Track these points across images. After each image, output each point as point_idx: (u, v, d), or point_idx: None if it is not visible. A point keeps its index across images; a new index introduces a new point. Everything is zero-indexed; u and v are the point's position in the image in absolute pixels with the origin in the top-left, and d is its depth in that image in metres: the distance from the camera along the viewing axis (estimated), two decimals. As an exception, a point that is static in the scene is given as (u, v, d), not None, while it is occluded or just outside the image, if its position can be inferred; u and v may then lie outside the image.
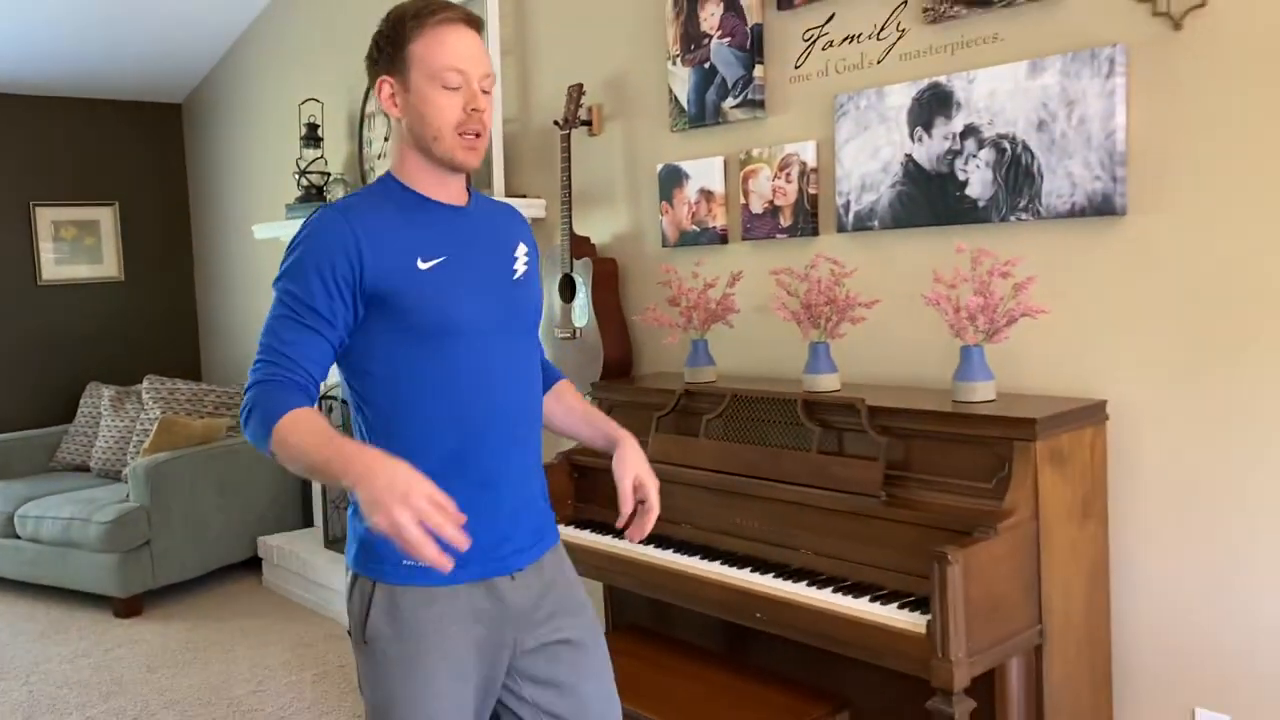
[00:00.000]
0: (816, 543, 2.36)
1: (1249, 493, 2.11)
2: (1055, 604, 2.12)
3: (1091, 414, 2.22)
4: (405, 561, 1.53)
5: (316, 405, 1.49)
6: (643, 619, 2.96)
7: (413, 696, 1.55)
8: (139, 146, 6.00)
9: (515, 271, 1.67)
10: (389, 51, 1.55)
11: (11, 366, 5.61)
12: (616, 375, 3.35)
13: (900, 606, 2.07)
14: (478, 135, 1.55)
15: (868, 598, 2.13)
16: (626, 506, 1.68)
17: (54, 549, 4.52)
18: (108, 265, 5.91)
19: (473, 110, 1.53)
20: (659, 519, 2.72)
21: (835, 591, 2.19)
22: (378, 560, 1.57)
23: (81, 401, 5.47)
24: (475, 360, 1.57)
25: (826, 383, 2.55)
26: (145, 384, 5.20)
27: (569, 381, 1.89)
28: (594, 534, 2.77)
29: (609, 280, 3.41)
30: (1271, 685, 2.10)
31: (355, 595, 1.60)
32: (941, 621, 1.90)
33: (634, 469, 1.71)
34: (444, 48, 1.52)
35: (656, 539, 2.65)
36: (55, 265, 5.75)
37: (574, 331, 3.39)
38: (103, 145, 5.88)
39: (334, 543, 4.58)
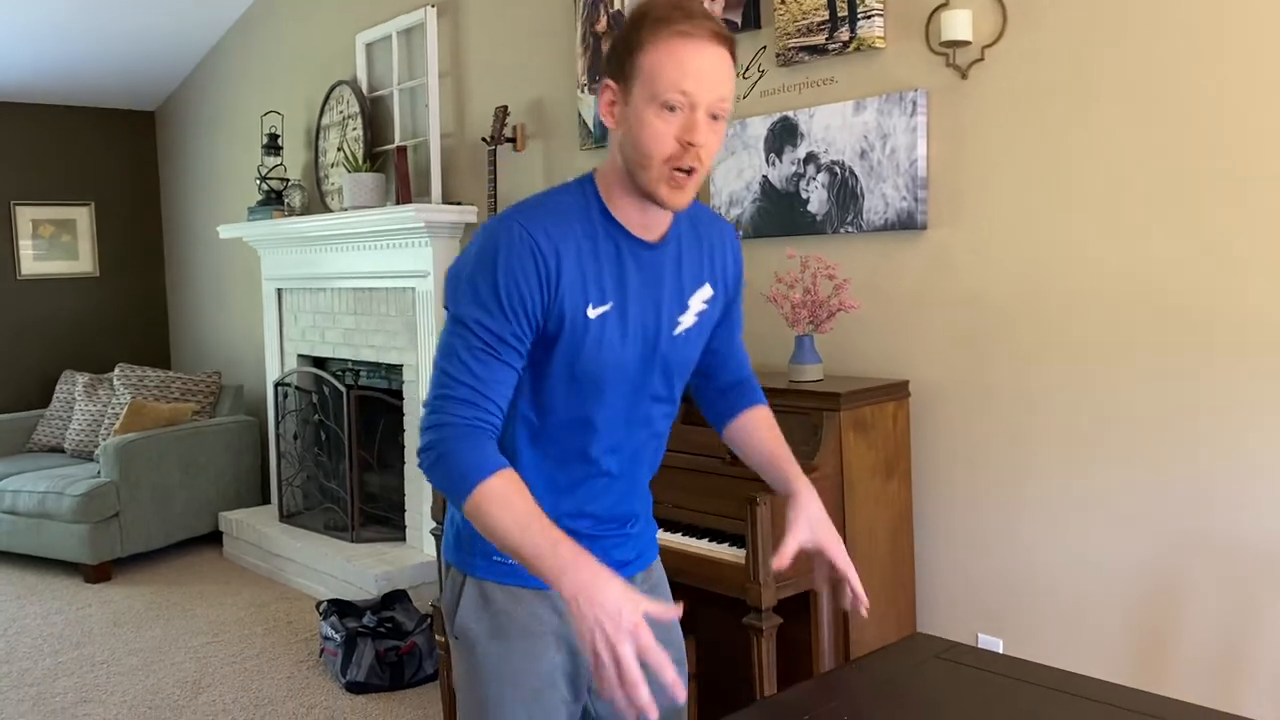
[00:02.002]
0: (676, 497, 2.82)
1: (1024, 455, 2.59)
2: (859, 545, 2.60)
3: (895, 391, 2.71)
4: (495, 557, 1.46)
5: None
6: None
7: (499, 697, 1.47)
8: (114, 151, 6.42)
9: (679, 325, 1.49)
10: (621, 53, 1.33)
11: (-9, 354, 6.03)
12: (533, 363, 3.81)
13: (731, 545, 2.54)
14: (690, 172, 1.32)
15: (708, 539, 2.61)
16: (782, 561, 1.53)
17: (30, 520, 4.94)
18: (83, 261, 6.33)
19: (688, 143, 1.30)
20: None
21: (686, 535, 2.66)
22: (469, 553, 1.49)
23: (57, 388, 5.88)
24: (599, 404, 1.43)
25: (695, 367, 3.02)
26: (117, 371, 5.62)
27: (763, 409, 1.70)
28: (502, 496, 3.23)
29: (528, 279, 3.87)
30: (1034, 615, 2.58)
31: (448, 587, 1.53)
32: (752, 553, 2.38)
33: (804, 533, 1.53)
34: (674, 63, 1.29)
35: (552, 499, 3.11)
36: (34, 261, 6.16)
37: (497, 324, 3.85)
38: (80, 149, 6.30)
39: (289, 517, 5.02)
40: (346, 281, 4.73)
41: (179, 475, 5.14)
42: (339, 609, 3.76)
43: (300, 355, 5.16)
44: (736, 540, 2.56)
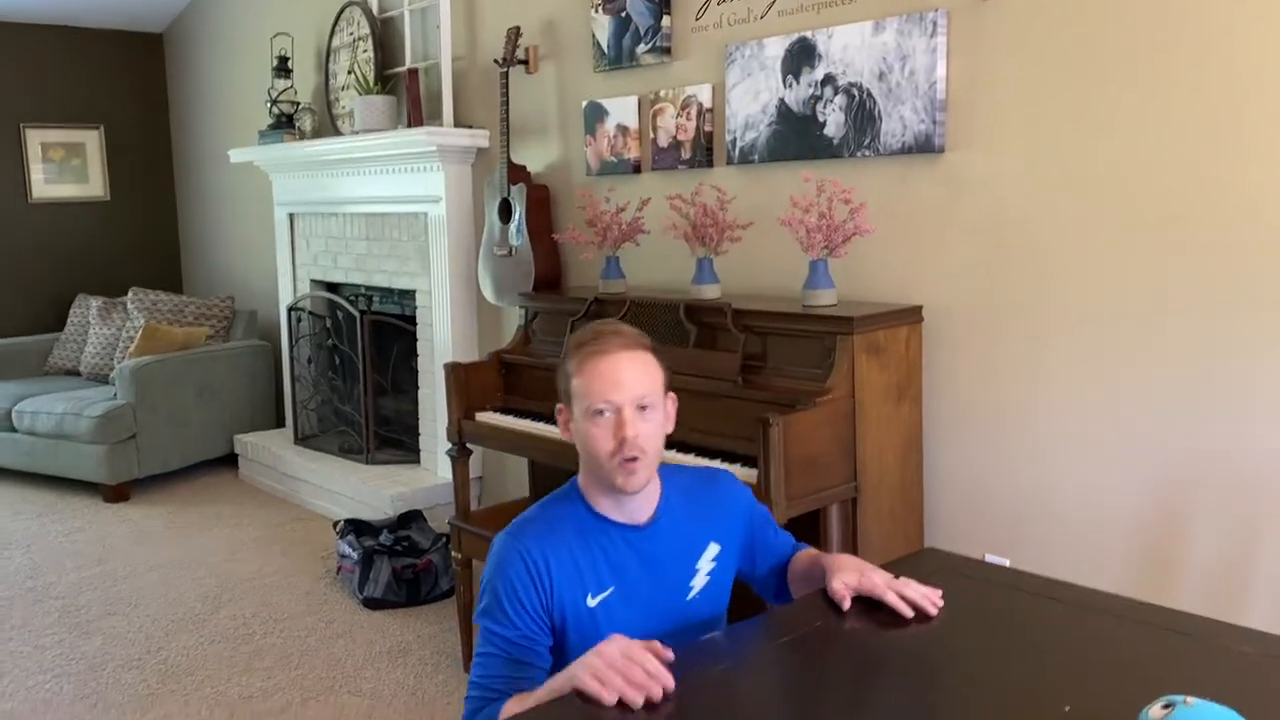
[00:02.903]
0: (690, 420, 2.83)
1: (1036, 377, 2.61)
2: (869, 466, 2.64)
3: (908, 315, 2.72)
4: None
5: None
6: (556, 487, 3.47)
7: None
8: (123, 73, 6.37)
9: (691, 589, 1.64)
10: (561, 381, 1.60)
11: (4, 279, 6.05)
12: (547, 288, 3.82)
13: (743, 465, 2.58)
14: (634, 459, 1.52)
15: (720, 459, 2.64)
16: (840, 602, 1.56)
17: (48, 441, 5.01)
18: (94, 185, 6.31)
19: (622, 439, 1.51)
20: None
21: (698, 456, 2.70)
22: None
23: (71, 311, 5.91)
24: None
25: (709, 292, 3.03)
26: (130, 295, 5.65)
27: (802, 553, 1.81)
28: (516, 418, 3.27)
29: (541, 204, 3.87)
30: (1041, 536, 2.62)
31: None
32: (764, 471, 2.42)
33: (852, 577, 1.58)
34: (594, 380, 1.53)
35: (566, 421, 3.15)
36: (45, 185, 6.15)
37: (510, 250, 3.85)
38: (88, 71, 6.25)
39: (304, 440, 5.08)
40: (358, 206, 4.73)
41: (194, 398, 5.19)
42: (356, 528, 3.83)
43: (313, 280, 5.17)
44: (748, 461, 2.59)
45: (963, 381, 2.74)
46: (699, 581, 1.65)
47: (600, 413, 1.53)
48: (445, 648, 3.26)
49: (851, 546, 2.66)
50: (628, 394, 1.53)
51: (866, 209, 2.69)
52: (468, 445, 3.42)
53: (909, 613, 1.51)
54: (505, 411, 3.36)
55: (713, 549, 1.68)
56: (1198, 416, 2.34)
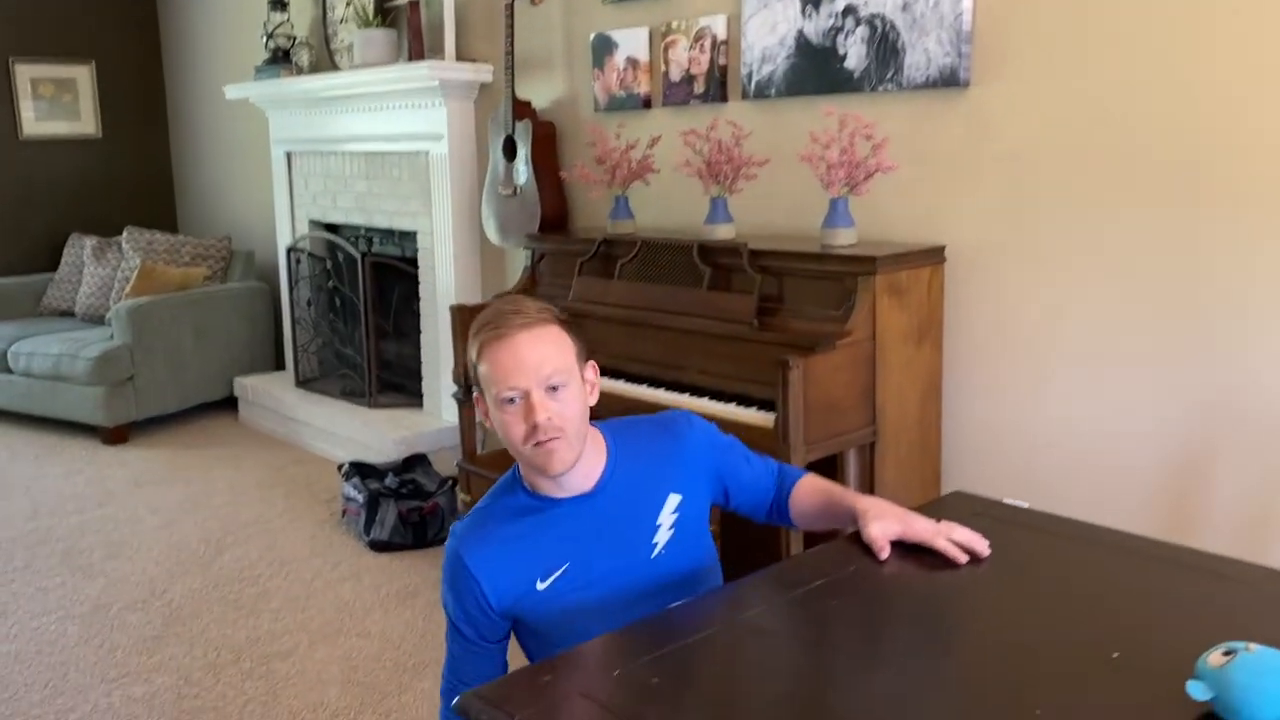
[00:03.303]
0: (702, 363, 2.80)
1: (1059, 320, 2.55)
2: (888, 410, 2.58)
3: (930, 256, 2.65)
4: None
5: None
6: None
7: None
8: (114, 6, 6.19)
9: (655, 546, 1.57)
10: (471, 371, 1.53)
11: (-4, 217, 5.93)
12: (553, 229, 3.73)
13: (759, 409, 2.53)
14: (551, 440, 1.45)
15: (735, 403, 2.59)
16: (879, 552, 1.48)
17: (45, 382, 4.94)
18: (86, 122, 6.17)
19: (534, 424, 1.44)
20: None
21: (712, 400, 2.64)
22: None
23: (65, 251, 5.81)
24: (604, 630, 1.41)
25: (723, 232, 2.95)
26: (125, 235, 5.55)
27: (806, 478, 1.73)
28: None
29: (547, 141, 3.76)
30: (1061, 479, 2.58)
31: None
32: (783, 415, 2.36)
33: (894, 526, 1.50)
34: (496, 365, 1.46)
35: (575, 363, 3.09)
36: (35, 122, 6.01)
37: (514, 189, 3.76)
38: (79, 5, 6.07)
39: (305, 383, 5.02)
40: (358, 144, 4.61)
41: (192, 340, 5.12)
42: (360, 471, 3.78)
43: (312, 221, 5.07)
44: (764, 405, 2.54)
45: (984, 323, 2.68)
46: (662, 536, 1.58)
47: (509, 400, 1.46)
48: (453, 591, 3.23)
49: (868, 491, 2.61)
50: (533, 376, 1.45)
51: (888, 145, 2.61)
52: (472, 390, 3.36)
53: (962, 558, 1.45)
54: (512, 353, 3.30)
55: (673, 500, 1.60)
56: (1223, 357, 2.28)
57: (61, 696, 2.68)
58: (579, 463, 1.52)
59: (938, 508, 1.70)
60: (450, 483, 3.71)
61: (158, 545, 3.65)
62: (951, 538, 1.47)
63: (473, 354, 1.50)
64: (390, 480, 3.71)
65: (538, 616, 1.53)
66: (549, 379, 1.46)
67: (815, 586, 1.40)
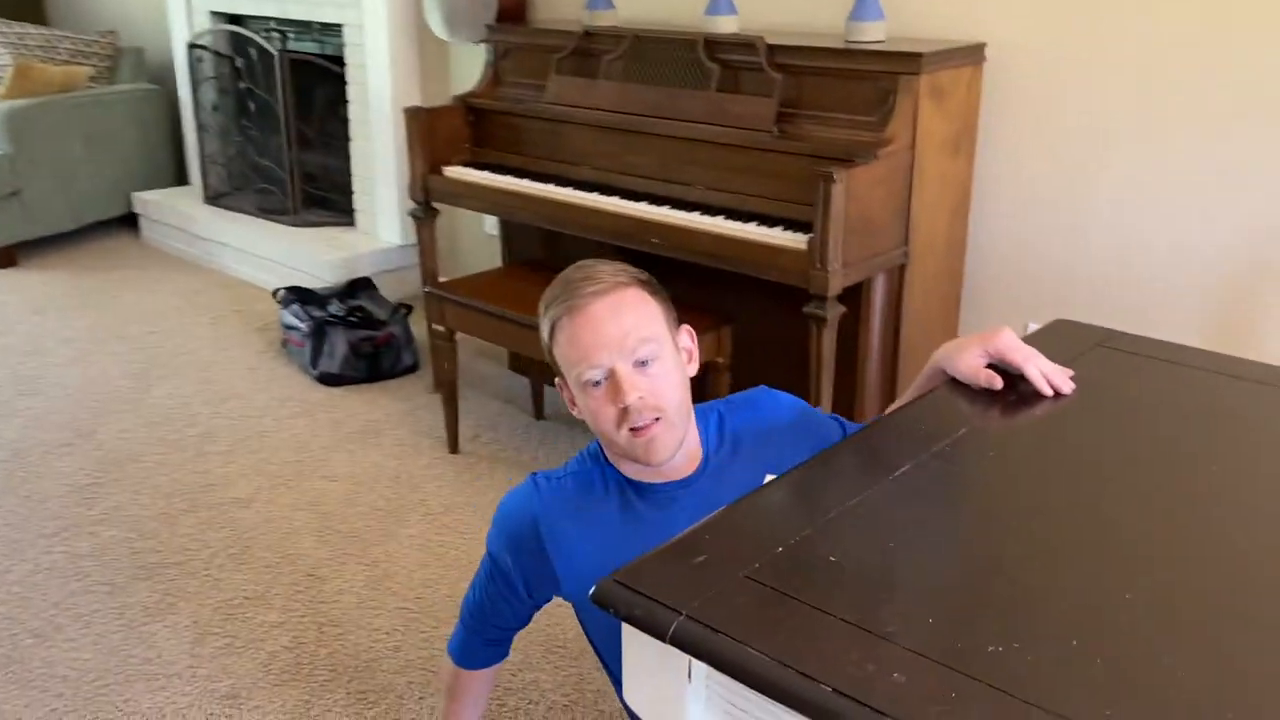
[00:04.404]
0: (709, 177, 2.51)
1: (1103, 131, 2.33)
2: (921, 229, 2.36)
3: (971, 54, 2.38)
4: None
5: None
6: (535, 254, 3.12)
7: None
8: None
9: None
10: (547, 355, 1.30)
11: None
12: (511, 19, 3.31)
13: (786, 229, 2.27)
14: (648, 425, 1.24)
15: (755, 223, 2.33)
16: (989, 383, 1.24)
17: (-88, 198, 4.34)
18: (-77, -111, 5.25)
19: (624, 408, 1.23)
20: (557, 161, 2.83)
21: (728, 219, 2.37)
22: None
23: (-85, 45, 5.03)
24: None
25: (726, 25, 2.60)
26: (-12, 27, 4.82)
27: None
28: (492, 174, 2.86)
29: (503, -82, 3.28)
30: (1090, 302, 2.43)
31: None
32: (822, 235, 2.11)
33: (970, 358, 1.26)
34: (573, 346, 1.24)
35: (555, 179, 2.76)
36: None
37: (466, -27, 3.29)
38: None
39: (216, 198, 4.53)
40: (267, -80, 4.00)
41: (81, 149, 4.53)
42: (300, 297, 3.43)
43: (212, 13, 4.45)
44: (789, 224, 2.28)
45: (1021, 132, 2.44)
46: None
47: (594, 382, 1.23)
48: (423, 427, 2.97)
49: (894, 322, 2.42)
50: (616, 350, 1.22)
51: (934, -76, 2.28)
52: (434, 205, 3.01)
53: (1049, 390, 1.24)
54: (477, 166, 2.94)
55: (769, 480, 1.38)
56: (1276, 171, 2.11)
57: (-8, 555, 2.37)
58: (682, 447, 1.29)
59: (1053, 340, 1.50)
60: (404, 310, 3.40)
61: (73, 380, 3.27)
62: (1041, 368, 1.24)
63: (544, 334, 1.28)
64: (335, 308, 3.37)
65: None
66: (636, 352, 1.23)
67: (957, 438, 1.19)
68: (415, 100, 3.73)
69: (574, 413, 1.32)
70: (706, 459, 1.35)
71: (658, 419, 1.23)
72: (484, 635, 1.48)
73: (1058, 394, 1.24)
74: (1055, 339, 1.50)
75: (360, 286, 3.56)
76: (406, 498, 2.60)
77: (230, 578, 2.28)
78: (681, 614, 0.91)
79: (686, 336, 1.33)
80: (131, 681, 1.97)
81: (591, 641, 1.50)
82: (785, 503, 1.11)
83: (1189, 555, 0.97)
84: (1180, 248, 2.28)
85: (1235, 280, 2.24)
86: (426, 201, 2.99)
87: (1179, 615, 0.86)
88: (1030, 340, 1.40)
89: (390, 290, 3.68)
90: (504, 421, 3.01)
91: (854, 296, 2.32)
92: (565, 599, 1.40)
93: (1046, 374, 1.25)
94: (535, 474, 1.37)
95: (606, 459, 1.34)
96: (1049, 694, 0.75)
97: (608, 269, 1.28)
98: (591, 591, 0.99)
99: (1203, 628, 0.84)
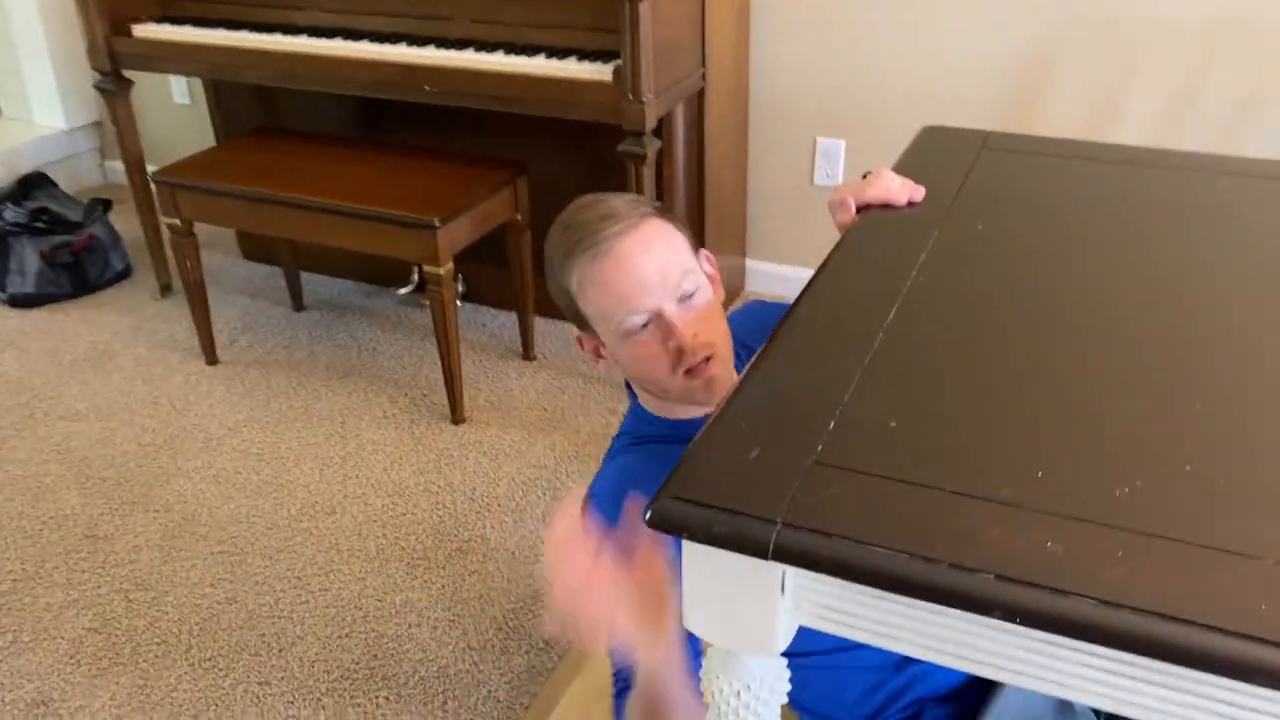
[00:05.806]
0: (475, 10, 2.22)
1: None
2: (715, 49, 2.23)
3: None
4: None
5: None
6: (258, 120, 2.68)
7: None
8: None
9: None
10: (567, 304, 1.14)
11: None
12: None
13: (580, 59, 2.06)
14: (705, 363, 1.10)
15: (543, 55, 2.09)
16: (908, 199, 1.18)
17: None
18: None
19: (678, 350, 1.09)
20: (273, 7, 2.40)
21: (508, 54, 2.12)
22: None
23: None
24: None
25: None
26: None
27: None
28: (196, 29, 2.40)
29: None
30: (877, 115, 2.42)
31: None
32: (633, 63, 1.93)
33: (882, 190, 1.17)
34: (608, 292, 1.10)
35: (281, 27, 2.35)
36: None
37: None
38: None
39: None
40: None
41: None
42: (-42, 207, 2.78)
43: None
44: (581, 55, 2.07)
45: (793, -62, 2.33)
46: None
47: (638, 328, 1.11)
48: (163, 340, 2.54)
49: (698, 151, 2.29)
50: (659, 289, 1.10)
51: None
52: (124, 75, 2.50)
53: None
54: (175, 21, 2.45)
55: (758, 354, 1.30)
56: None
57: None
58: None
59: (932, 149, 1.44)
60: (102, 206, 2.85)
61: None
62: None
63: (570, 284, 1.13)
64: (12, 213, 2.77)
65: None
66: (679, 287, 1.11)
67: (930, 253, 1.10)
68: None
69: (598, 367, 1.18)
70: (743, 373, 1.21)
71: (709, 358, 1.11)
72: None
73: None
74: (935, 148, 1.44)
75: (34, 184, 2.94)
76: (176, 424, 2.23)
77: (-18, 561, 1.86)
78: (778, 522, 0.76)
79: (708, 262, 1.19)
80: (-106, 716, 1.57)
81: None
82: (798, 377, 0.97)
83: (1230, 351, 0.94)
84: (969, 54, 2.30)
85: (1020, 75, 2.29)
86: (115, 71, 2.47)
87: (1251, 415, 0.82)
88: (908, 156, 1.33)
89: (66, 184, 3.09)
90: (260, 319, 2.63)
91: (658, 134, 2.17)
92: None
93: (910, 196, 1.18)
94: (614, 450, 1.21)
95: (658, 418, 1.20)
96: (1208, 531, 0.69)
97: (620, 202, 1.13)
98: (647, 515, 0.82)
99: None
